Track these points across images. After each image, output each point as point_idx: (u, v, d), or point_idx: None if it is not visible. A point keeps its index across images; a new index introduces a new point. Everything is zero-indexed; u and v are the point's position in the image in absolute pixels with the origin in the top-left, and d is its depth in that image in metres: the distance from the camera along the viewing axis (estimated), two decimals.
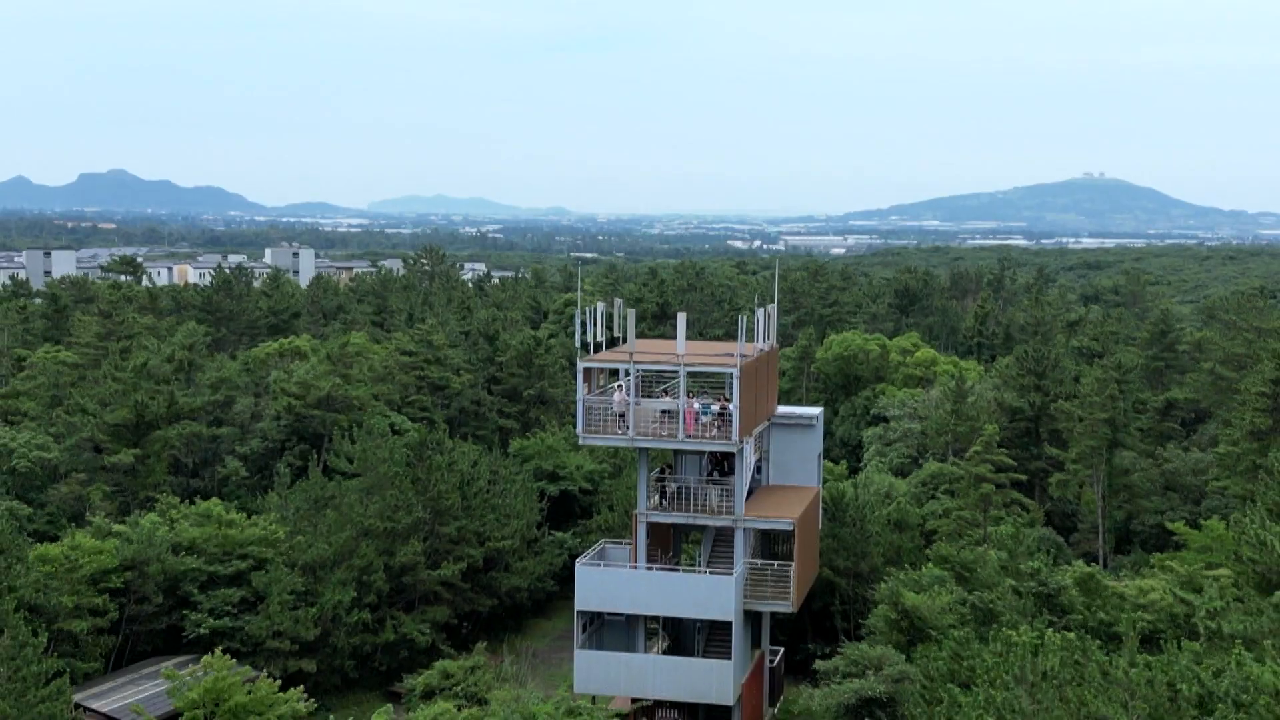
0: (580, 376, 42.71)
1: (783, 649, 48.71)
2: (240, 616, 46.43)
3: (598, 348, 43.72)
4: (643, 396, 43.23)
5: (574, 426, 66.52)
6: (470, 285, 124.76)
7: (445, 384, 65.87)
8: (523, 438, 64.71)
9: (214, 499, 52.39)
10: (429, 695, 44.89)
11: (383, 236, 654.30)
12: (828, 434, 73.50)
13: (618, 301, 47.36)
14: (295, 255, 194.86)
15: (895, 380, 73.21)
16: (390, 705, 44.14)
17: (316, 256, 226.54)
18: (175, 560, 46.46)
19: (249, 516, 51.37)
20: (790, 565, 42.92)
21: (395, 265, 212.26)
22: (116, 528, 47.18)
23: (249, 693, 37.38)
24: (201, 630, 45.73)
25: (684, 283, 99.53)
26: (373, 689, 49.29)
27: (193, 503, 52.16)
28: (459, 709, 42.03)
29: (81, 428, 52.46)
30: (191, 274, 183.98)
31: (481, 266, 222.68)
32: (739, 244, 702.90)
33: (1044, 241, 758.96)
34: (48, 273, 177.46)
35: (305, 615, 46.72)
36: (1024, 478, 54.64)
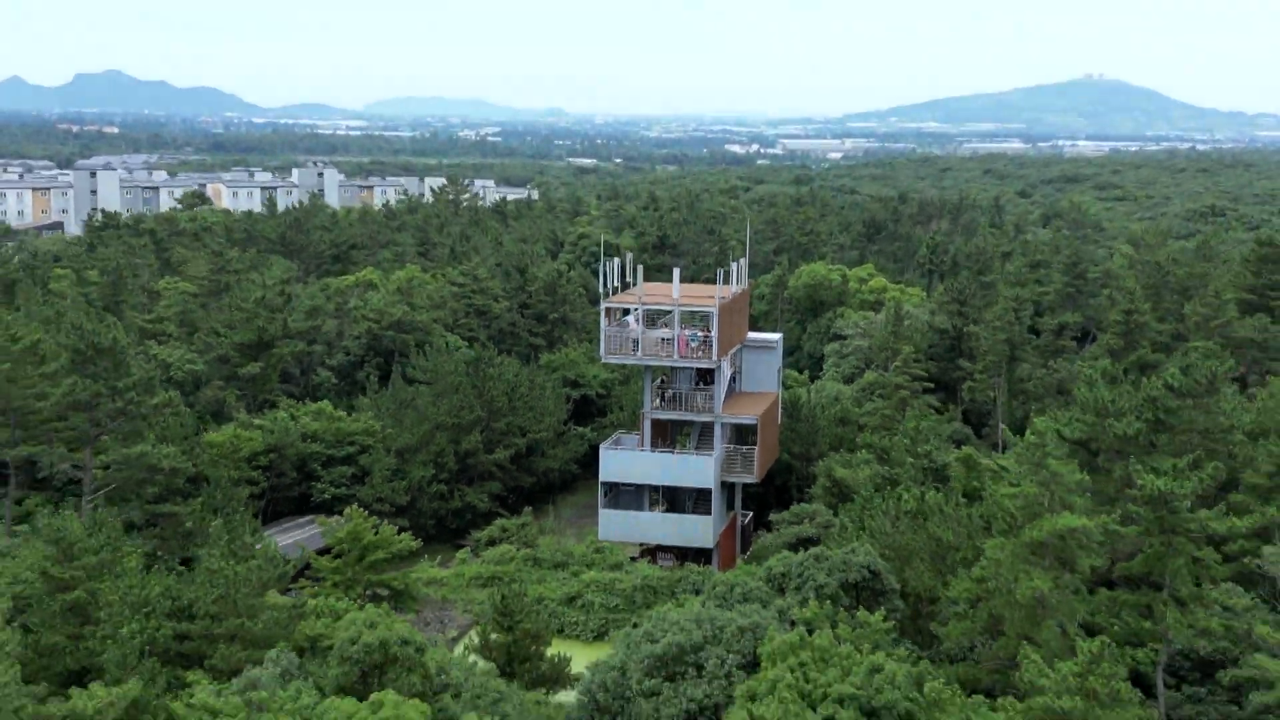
0: (603, 313, 58.62)
1: (752, 513, 65.47)
2: (351, 486, 63.13)
3: (615, 291, 59.56)
4: (648, 327, 59.25)
5: (590, 343, 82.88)
6: (491, 210, 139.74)
7: (487, 309, 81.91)
8: (550, 352, 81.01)
9: (323, 401, 68.84)
10: (492, 543, 61.65)
11: (383, 141, 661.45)
12: (797, 349, 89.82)
13: (629, 255, 63.10)
14: (320, 175, 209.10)
15: (853, 304, 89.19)
16: (467, 550, 61.23)
17: (325, 168, 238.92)
18: (303, 445, 63.02)
19: (349, 414, 67.85)
20: (754, 449, 59.46)
21: (411, 185, 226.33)
22: (257, 422, 63.60)
23: (376, 533, 53.95)
24: (325, 496, 62.50)
25: (679, 216, 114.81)
26: (446, 542, 66.02)
27: (302, 402, 68.68)
28: (517, 549, 59.04)
29: (217, 346, 68.53)
30: (225, 193, 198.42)
31: (490, 183, 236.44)
32: (736, 148, 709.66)
33: (1040, 144, 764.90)
34: (93, 191, 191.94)
35: (398, 486, 63.41)
36: (932, 385, 70.86)
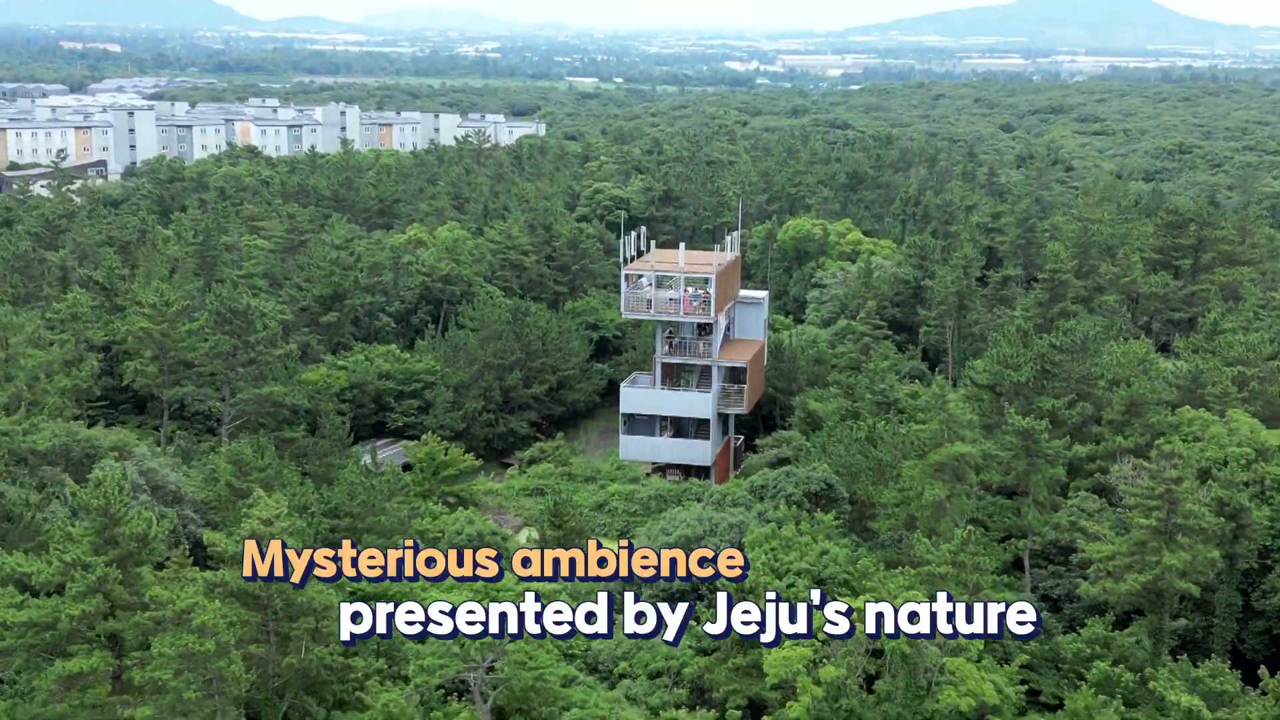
0: (623, 278, 72.93)
1: (743, 437, 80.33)
2: (418, 416, 77.89)
3: (632, 260, 73.75)
4: (659, 288, 73.51)
5: (606, 289, 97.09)
6: (509, 155, 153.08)
7: (519, 263, 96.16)
8: (573, 300, 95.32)
9: (384, 343, 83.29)
10: (533, 461, 76.58)
11: (384, 60, 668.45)
12: (784, 293, 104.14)
13: (643, 229, 77.14)
14: (343, 114, 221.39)
15: (833, 255, 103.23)
16: (514, 467, 76.24)
17: (347, 107, 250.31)
18: (379, 382, 77.69)
19: (408, 353, 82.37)
20: (744, 387, 74.18)
21: (426, 122, 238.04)
22: (340, 363, 78.16)
23: (446, 454, 68.83)
24: (398, 424, 77.31)
25: (682, 169, 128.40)
26: (494, 460, 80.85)
27: (372, 344, 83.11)
28: (555, 467, 74.03)
29: (300, 299, 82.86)
30: (254, 131, 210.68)
31: (500, 118, 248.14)
32: (736, 65, 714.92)
33: (1039, 60, 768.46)
34: (132, 130, 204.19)
35: (455, 415, 78.15)
36: (891, 331, 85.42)
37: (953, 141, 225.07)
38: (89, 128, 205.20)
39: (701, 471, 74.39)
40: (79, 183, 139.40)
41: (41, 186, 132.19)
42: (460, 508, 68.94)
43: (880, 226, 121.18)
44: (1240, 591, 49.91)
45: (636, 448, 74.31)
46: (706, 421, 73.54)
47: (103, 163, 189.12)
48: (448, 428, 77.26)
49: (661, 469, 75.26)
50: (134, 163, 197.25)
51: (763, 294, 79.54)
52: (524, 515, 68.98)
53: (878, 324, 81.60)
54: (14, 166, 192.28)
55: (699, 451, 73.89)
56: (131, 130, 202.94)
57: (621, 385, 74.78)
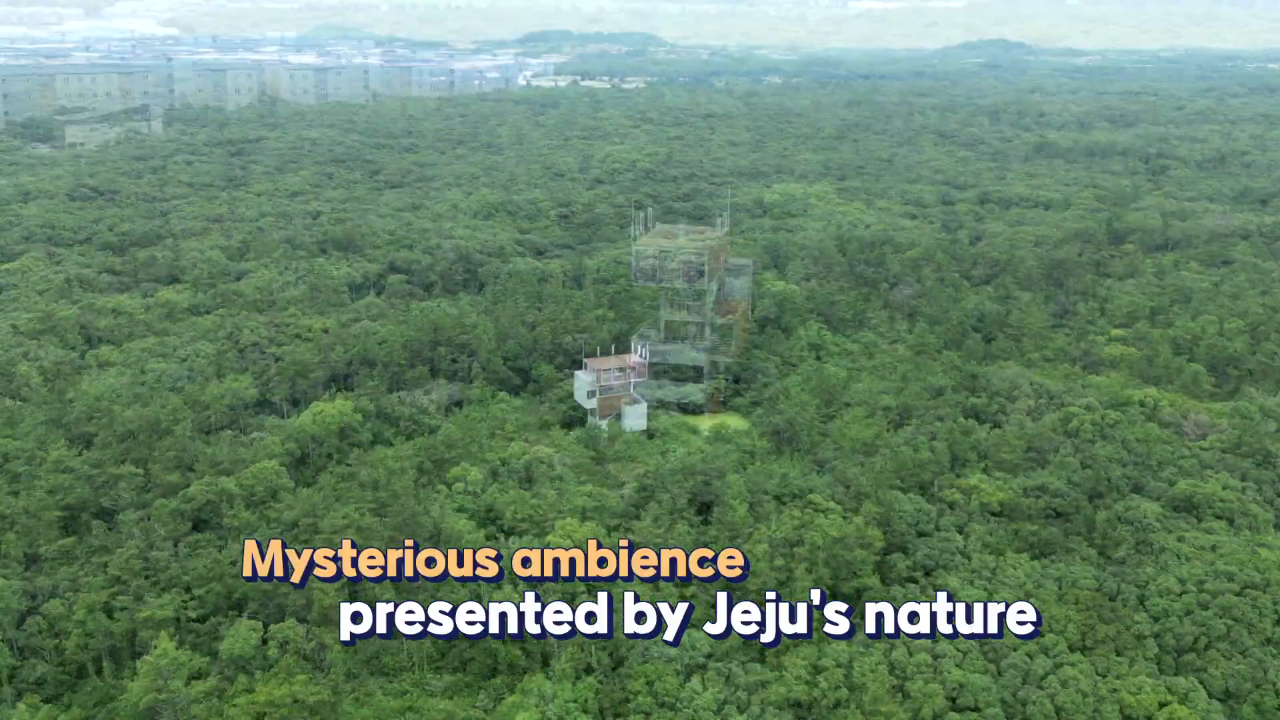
0: (634, 255, 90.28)
1: (732, 379, 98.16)
2: (467, 361, 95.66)
3: (640, 236, 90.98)
4: (662, 260, 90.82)
5: (614, 245, 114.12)
6: (527, 109, 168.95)
7: (544, 228, 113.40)
8: (589, 258, 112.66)
9: (440, 299, 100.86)
10: (561, 400, 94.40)
11: None
12: (771, 249, 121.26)
13: (649, 210, 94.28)
14: (365, 57, 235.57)
15: (812, 215, 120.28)
16: (546, 405, 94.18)
17: (368, 55, 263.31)
18: (435, 333, 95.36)
19: (457, 310, 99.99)
20: (732, 339, 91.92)
21: (441, 60, 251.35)
22: (402, 317, 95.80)
23: (494, 395, 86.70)
24: (451, 369, 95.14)
25: (683, 130, 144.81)
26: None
27: (421, 300, 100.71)
28: None
29: (371, 262, 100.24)
30: (284, 75, 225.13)
31: (511, 56, 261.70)
32: None
33: None
34: (170, 75, 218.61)
35: (497, 360, 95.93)
36: (854, 288, 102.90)
37: (937, 80, 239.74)
38: (130, 73, 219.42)
39: (697, 409, 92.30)
40: (143, 134, 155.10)
41: (114, 143, 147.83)
42: (510, 440, 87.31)
43: (858, 183, 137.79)
44: (1089, 500, 68.32)
45: (645, 388, 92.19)
46: (701, 368, 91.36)
47: (146, 107, 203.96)
48: (491, 371, 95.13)
49: (665, 406, 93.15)
50: (173, 106, 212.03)
51: (747, 261, 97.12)
52: (558, 445, 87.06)
53: (844, 286, 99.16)
54: (62, 110, 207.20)
55: (695, 393, 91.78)
56: (170, 75, 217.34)
57: (632, 339, 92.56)
